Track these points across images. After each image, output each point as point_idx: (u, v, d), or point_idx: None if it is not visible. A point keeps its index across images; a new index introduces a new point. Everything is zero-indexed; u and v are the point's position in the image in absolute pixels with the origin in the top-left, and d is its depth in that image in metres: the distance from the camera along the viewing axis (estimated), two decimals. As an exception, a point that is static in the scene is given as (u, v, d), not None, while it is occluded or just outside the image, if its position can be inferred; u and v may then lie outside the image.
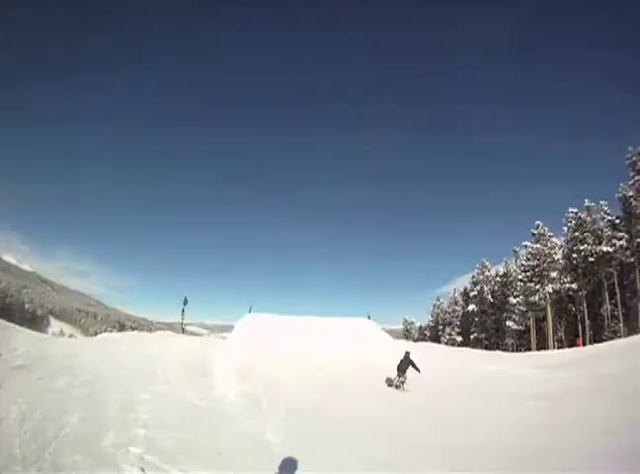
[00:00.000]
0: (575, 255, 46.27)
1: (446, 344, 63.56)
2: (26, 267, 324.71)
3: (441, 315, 75.73)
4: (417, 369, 17.46)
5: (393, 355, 18.71)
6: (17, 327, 16.25)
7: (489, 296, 60.35)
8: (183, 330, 38.34)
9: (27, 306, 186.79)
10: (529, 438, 9.31)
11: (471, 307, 62.28)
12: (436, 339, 71.39)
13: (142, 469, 6.00)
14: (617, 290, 43.81)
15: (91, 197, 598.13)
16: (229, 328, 30.55)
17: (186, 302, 35.89)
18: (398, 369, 17.46)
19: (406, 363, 17.56)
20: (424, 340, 74.91)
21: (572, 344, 43.99)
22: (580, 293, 46.54)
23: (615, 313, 44.20)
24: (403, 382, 17.14)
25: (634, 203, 41.18)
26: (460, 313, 69.86)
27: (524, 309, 50.63)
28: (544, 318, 48.12)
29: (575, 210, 47.90)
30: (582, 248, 45.66)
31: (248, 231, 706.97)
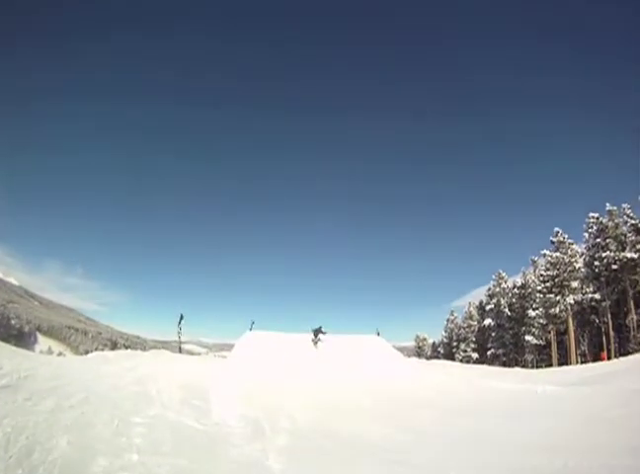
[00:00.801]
0: (597, 263, 46.01)
1: (461, 361, 63.17)
2: (11, 280, 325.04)
3: (456, 330, 75.40)
4: None
5: (404, 375, 18.60)
6: (2, 343, 16.20)
7: (506, 309, 60.03)
8: (179, 349, 38.24)
9: (13, 322, 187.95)
10: (548, 461, 9.15)
11: (487, 321, 62.03)
12: (450, 356, 71.02)
13: (135, 498, 5.93)
14: (643, 300, 43.55)
15: (82, 206, 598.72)
16: (229, 346, 30.52)
17: (182, 319, 35.58)
18: None
19: None
20: (437, 357, 74.60)
21: (596, 358, 43.65)
22: (603, 304, 46.19)
23: (642, 324, 43.91)
24: None
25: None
26: (476, 328, 69.56)
27: (544, 322, 50.40)
28: (566, 331, 47.84)
29: (596, 215, 47.69)
30: (604, 255, 45.38)
31: (249, 242, 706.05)
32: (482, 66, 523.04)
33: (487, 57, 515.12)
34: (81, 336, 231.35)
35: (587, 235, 48.30)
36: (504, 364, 55.65)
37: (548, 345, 52.23)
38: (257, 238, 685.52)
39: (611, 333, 45.59)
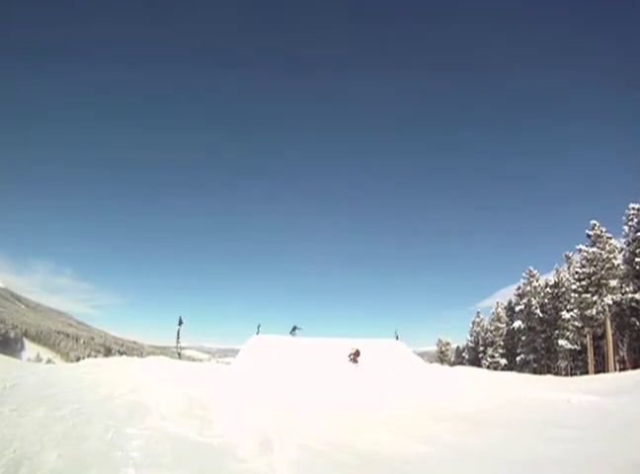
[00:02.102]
0: (638, 259, 45.51)
1: (488, 367, 63.04)
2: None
3: (482, 334, 75.11)
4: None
5: (425, 382, 18.54)
6: (-14, 351, 16.36)
7: (538, 311, 59.57)
8: (179, 354, 38.43)
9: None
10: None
11: (517, 324, 61.64)
12: (476, 362, 70.79)
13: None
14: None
15: (72, 201, 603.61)
16: (233, 352, 30.66)
17: (181, 322, 35.48)
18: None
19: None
20: (462, 363, 74.41)
21: (636, 364, 43.28)
22: (645, 305, 45.74)
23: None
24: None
25: None
26: (504, 331, 69.16)
27: (580, 325, 49.92)
28: (603, 335, 47.39)
29: (637, 206, 47.01)
30: (646, 250, 44.91)
31: (255, 240, 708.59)
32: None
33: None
34: (72, 342, 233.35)
35: (626, 228, 47.59)
36: (535, 371, 55.28)
37: (584, 350, 51.83)
38: (264, 234, 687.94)
39: (654, 337, 45.22)
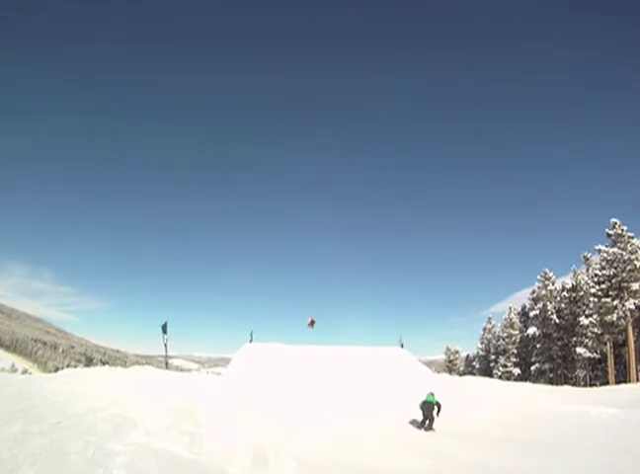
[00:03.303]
0: (663, 260, 45.58)
1: (500, 377, 62.98)
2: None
3: (494, 341, 75.14)
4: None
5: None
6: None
7: (554, 316, 59.57)
8: (166, 364, 38.40)
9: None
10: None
11: (531, 330, 61.64)
12: (487, 371, 70.86)
13: None
14: None
15: (52, 198, 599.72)
16: (224, 361, 30.71)
17: (165, 329, 34.61)
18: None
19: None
20: (472, 373, 74.56)
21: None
22: (670, 309, 45.79)
23: None
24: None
25: None
26: (518, 338, 69.14)
27: (599, 332, 49.92)
28: (625, 342, 47.41)
29: (662, 204, 47.12)
30: (671, 251, 44.95)
31: (247, 240, 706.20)
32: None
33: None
34: (50, 350, 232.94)
35: (650, 227, 47.78)
36: (550, 382, 55.39)
37: (603, 358, 51.83)
38: (258, 234, 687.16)
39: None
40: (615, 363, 49.13)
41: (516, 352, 68.91)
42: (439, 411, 18.06)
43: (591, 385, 50.81)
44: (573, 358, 56.01)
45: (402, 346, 34.41)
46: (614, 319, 46.18)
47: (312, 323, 29.48)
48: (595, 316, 49.89)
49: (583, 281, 56.55)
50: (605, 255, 47.45)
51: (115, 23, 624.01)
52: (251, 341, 34.00)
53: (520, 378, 62.16)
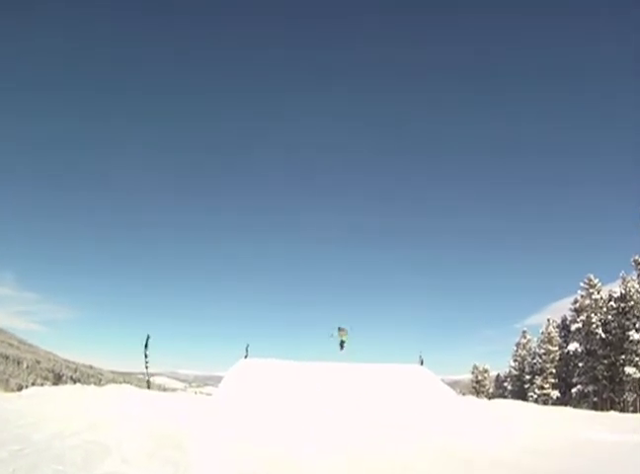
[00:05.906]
0: None
1: (536, 401, 62.87)
2: None
3: (529, 359, 75.09)
4: None
5: (456, 419, 18.53)
6: None
7: (599, 330, 59.43)
8: (148, 383, 38.47)
9: None
10: None
11: (573, 346, 61.56)
12: (520, 394, 70.71)
13: None
14: None
15: (14, 191, 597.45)
16: (215, 380, 30.80)
17: (148, 341, 34.65)
18: None
19: None
20: (503, 395, 74.48)
21: None
22: None
23: None
24: None
25: None
26: (557, 356, 69.07)
27: (653, 348, 49.95)
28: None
29: None
30: None
31: (242, 241, 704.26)
32: None
33: None
34: (12, 366, 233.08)
35: None
36: (595, 406, 55.24)
37: (658, 380, 51.89)
38: (255, 234, 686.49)
39: None
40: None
41: (554, 371, 68.81)
42: None
43: (642, 411, 50.69)
44: (621, 379, 55.89)
45: (422, 363, 34.41)
46: (670, 333, 46.19)
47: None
48: (647, 330, 49.88)
49: (633, 290, 56.41)
50: (660, 259, 47.41)
51: None
52: (246, 356, 34.05)
53: (560, 402, 61.97)
